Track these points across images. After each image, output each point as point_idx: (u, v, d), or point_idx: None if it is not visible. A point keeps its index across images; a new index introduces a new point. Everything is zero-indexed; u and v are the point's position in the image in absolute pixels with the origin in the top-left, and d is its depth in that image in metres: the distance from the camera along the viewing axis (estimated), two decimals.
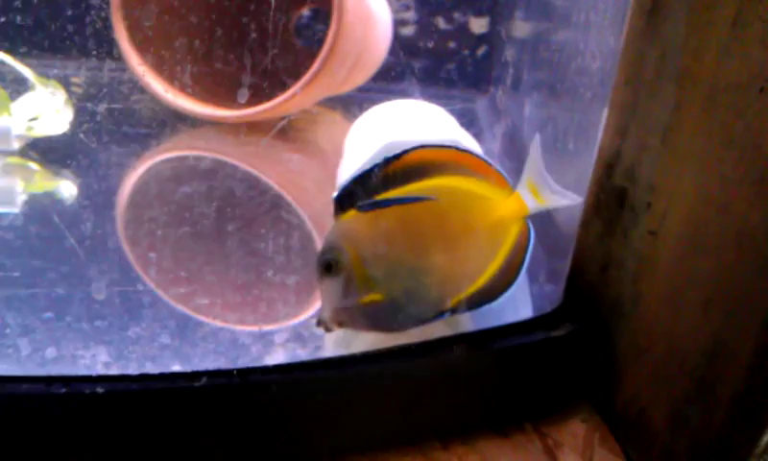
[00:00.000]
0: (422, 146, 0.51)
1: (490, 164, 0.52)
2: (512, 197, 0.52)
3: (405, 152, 0.50)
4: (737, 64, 0.44)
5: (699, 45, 0.47)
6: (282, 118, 0.97)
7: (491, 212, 0.52)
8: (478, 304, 0.53)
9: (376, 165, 0.50)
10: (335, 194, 0.50)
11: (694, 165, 0.48)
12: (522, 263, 0.53)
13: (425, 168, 0.51)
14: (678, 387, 0.49)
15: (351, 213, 0.50)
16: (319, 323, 0.50)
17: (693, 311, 0.48)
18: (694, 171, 0.48)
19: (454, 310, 0.52)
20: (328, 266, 0.49)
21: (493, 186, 0.52)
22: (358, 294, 0.49)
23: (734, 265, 0.44)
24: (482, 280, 0.52)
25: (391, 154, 0.50)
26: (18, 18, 0.81)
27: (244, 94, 0.84)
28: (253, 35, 1.02)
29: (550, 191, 0.51)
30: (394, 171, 0.50)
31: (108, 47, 0.88)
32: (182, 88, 0.94)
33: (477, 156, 0.52)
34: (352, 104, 1.11)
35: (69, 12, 0.81)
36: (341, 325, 0.51)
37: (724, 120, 0.45)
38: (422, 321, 0.52)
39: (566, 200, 0.52)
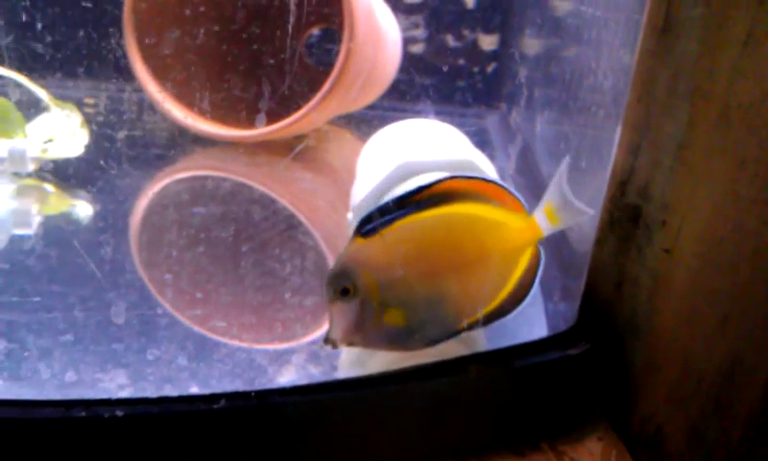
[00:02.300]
0: (454, 177, 0.52)
1: (507, 191, 0.53)
2: (527, 222, 0.52)
3: (438, 181, 0.51)
4: (750, 83, 0.44)
5: (711, 64, 0.47)
6: (297, 138, 0.98)
7: (505, 238, 0.52)
8: (487, 323, 0.53)
9: (408, 192, 0.51)
10: (357, 218, 0.51)
11: (708, 183, 0.48)
12: (532, 284, 0.53)
13: (445, 195, 0.51)
14: (695, 405, 0.49)
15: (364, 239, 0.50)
16: (326, 341, 0.50)
17: (709, 329, 0.48)
18: (708, 189, 0.48)
19: (468, 329, 0.53)
20: (345, 291, 0.49)
21: (509, 212, 0.52)
22: (374, 318, 0.50)
23: (750, 283, 0.44)
24: (495, 303, 0.53)
25: (419, 183, 0.51)
26: (35, 41, 0.82)
27: (262, 119, 0.85)
28: (265, 55, 1.03)
29: (571, 211, 0.52)
30: (419, 198, 0.51)
31: (122, 69, 0.89)
32: (201, 113, 0.95)
33: (496, 183, 0.52)
34: (363, 122, 1.12)
35: (84, 35, 0.82)
36: (351, 344, 0.51)
37: (737, 138, 0.45)
38: (436, 341, 0.52)
39: (582, 215, 0.52)
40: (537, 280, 0.53)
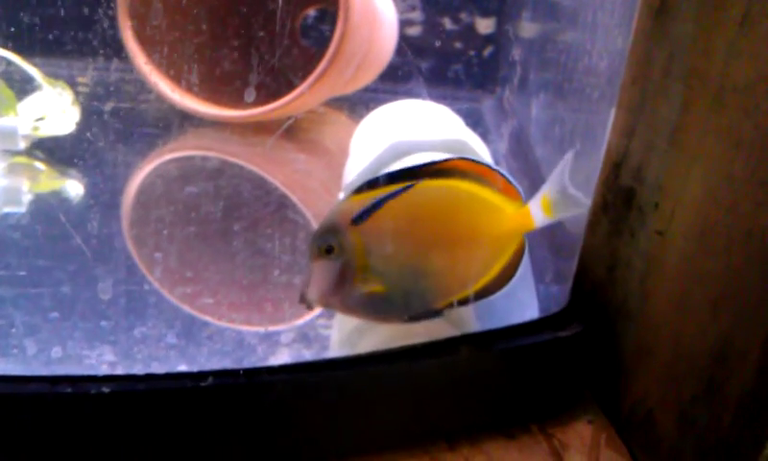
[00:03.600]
0: (461, 158, 0.51)
1: (507, 178, 0.52)
2: (521, 210, 0.52)
3: (446, 160, 0.51)
4: (745, 64, 0.44)
5: (707, 45, 0.47)
6: (288, 118, 0.97)
7: (498, 222, 0.52)
8: (463, 304, 0.53)
9: (416, 166, 0.50)
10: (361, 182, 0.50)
11: (702, 165, 0.47)
12: (514, 274, 0.53)
13: (447, 170, 0.51)
14: (686, 388, 0.49)
15: (359, 198, 0.49)
16: (302, 299, 0.50)
17: (701, 312, 0.48)
18: (702, 171, 0.47)
19: (444, 308, 0.53)
20: (329, 249, 0.48)
21: (506, 198, 0.52)
22: (354, 282, 0.49)
23: (743, 266, 0.44)
24: (476, 286, 0.52)
25: (427, 160, 0.51)
26: (26, 18, 0.81)
27: (251, 94, 0.84)
28: (260, 35, 1.02)
29: (569, 204, 0.51)
30: (423, 171, 0.50)
31: (115, 47, 0.88)
32: (189, 88, 0.94)
33: (498, 171, 0.52)
34: (358, 104, 1.11)
35: (76, 12, 0.81)
36: (327, 306, 0.51)
37: (732, 120, 0.45)
38: (413, 318, 0.51)
39: (578, 209, 0.52)
40: (518, 271, 0.53)
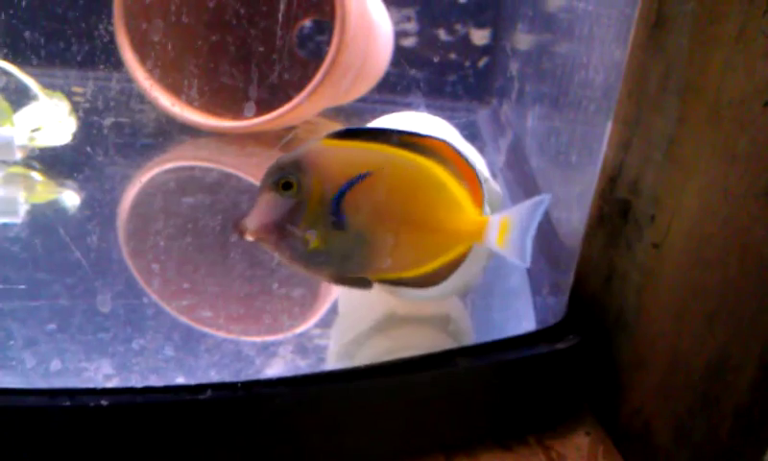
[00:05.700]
0: (446, 142, 0.50)
1: (479, 183, 0.51)
2: (480, 220, 0.50)
3: (431, 137, 0.49)
4: (741, 79, 0.44)
5: (703, 59, 0.47)
6: (287, 129, 0.97)
7: (456, 220, 0.50)
8: (390, 284, 0.52)
9: (403, 131, 0.49)
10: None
11: (698, 179, 0.48)
12: (448, 275, 0.51)
13: (429, 149, 0.50)
14: (682, 400, 0.49)
15: (331, 142, 0.48)
16: (236, 226, 0.48)
17: (697, 324, 0.48)
18: (698, 184, 0.48)
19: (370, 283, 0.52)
20: (287, 185, 0.47)
21: (471, 201, 0.51)
22: (298, 228, 0.47)
23: (739, 279, 0.45)
24: (410, 273, 0.51)
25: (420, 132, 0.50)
26: (23, 29, 0.81)
27: (251, 108, 0.84)
28: (257, 46, 1.02)
29: (516, 247, 0.48)
30: (409, 140, 0.49)
31: (112, 58, 0.88)
32: (189, 101, 0.94)
33: (474, 171, 0.51)
34: (354, 115, 1.11)
35: (73, 23, 0.81)
36: (259, 240, 0.49)
37: (728, 134, 0.45)
38: (339, 280, 0.50)
39: (516, 259, 0.49)
40: (451, 275, 0.51)
